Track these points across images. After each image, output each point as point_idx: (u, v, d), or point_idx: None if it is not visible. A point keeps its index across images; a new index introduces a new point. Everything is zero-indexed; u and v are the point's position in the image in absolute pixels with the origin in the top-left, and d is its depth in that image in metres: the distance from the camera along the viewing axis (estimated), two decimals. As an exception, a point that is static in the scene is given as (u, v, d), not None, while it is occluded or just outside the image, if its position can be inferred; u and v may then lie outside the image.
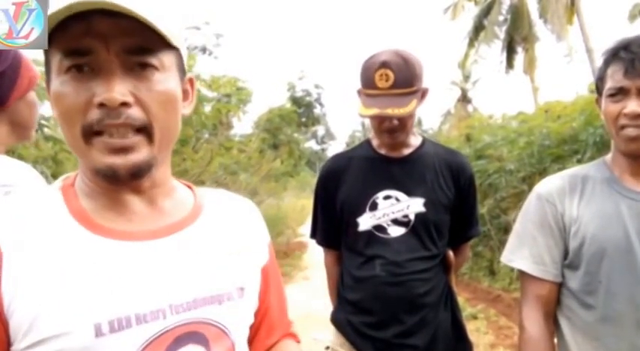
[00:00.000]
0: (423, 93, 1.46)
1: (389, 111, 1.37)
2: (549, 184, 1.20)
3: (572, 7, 13.67)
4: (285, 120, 8.52)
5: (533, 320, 1.17)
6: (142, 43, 0.59)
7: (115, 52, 0.59)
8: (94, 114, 0.59)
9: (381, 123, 1.45)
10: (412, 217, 1.46)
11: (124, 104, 0.59)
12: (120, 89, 0.58)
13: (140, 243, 0.63)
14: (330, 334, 1.61)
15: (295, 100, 8.96)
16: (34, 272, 0.57)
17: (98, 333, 0.57)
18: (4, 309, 0.56)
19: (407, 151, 1.52)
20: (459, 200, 1.53)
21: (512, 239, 1.24)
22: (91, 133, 0.59)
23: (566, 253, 1.15)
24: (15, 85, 1.11)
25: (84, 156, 0.61)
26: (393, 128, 1.44)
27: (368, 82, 1.41)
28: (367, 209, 1.47)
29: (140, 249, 0.63)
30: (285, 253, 9.06)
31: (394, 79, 1.37)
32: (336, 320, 1.58)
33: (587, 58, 11.45)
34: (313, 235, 1.67)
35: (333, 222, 1.55)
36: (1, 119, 1.14)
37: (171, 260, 0.65)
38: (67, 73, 0.59)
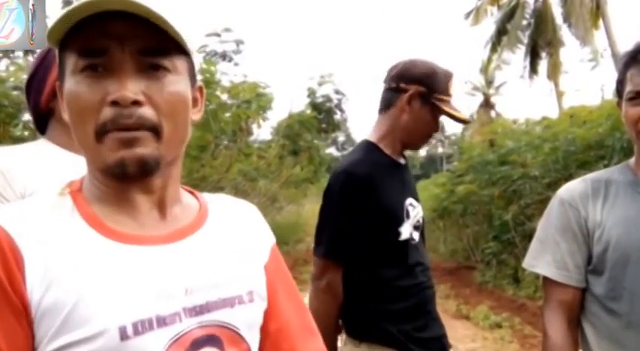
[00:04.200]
0: None
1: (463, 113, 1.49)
2: (572, 189, 1.18)
3: (598, 11, 13.41)
4: (305, 126, 8.50)
5: (556, 327, 1.15)
6: (156, 45, 0.61)
7: (130, 52, 0.60)
8: (107, 112, 0.59)
9: (435, 128, 1.51)
10: (421, 221, 1.52)
11: (136, 103, 0.60)
12: (132, 88, 0.59)
13: (153, 247, 0.64)
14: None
15: (315, 106, 8.93)
16: (57, 278, 0.57)
17: (123, 336, 0.58)
18: (32, 311, 0.56)
19: (402, 158, 1.56)
20: None
21: (534, 244, 1.23)
22: (103, 132, 0.60)
23: (589, 258, 1.14)
24: (45, 84, 1.12)
25: (95, 154, 0.62)
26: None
27: (442, 88, 1.47)
28: (405, 217, 1.44)
29: (154, 253, 0.64)
30: (304, 261, 9.02)
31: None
32: (384, 334, 1.42)
33: (613, 62, 11.18)
34: (328, 246, 1.43)
35: (363, 232, 1.40)
36: (54, 125, 1.17)
37: (183, 264, 0.65)
38: (82, 72, 0.60)
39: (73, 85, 0.61)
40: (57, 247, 0.59)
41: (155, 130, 0.62)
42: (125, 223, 0.64)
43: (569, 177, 5.28)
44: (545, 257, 1.18)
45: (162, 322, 0.61)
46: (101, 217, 0.63)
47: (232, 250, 0.72)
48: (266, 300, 0.74)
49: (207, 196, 0.77)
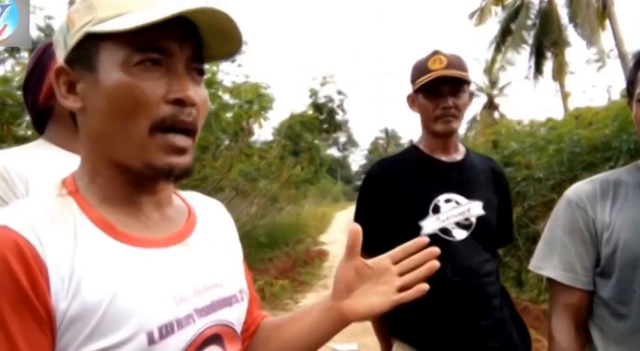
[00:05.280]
0: (472, 94, 1.53)
1: (448, 72, 1.43)
2: (579, 189, 1.16)
3: (604, 11, 13.31)
4: (307, 127, 8.44)
5: (563, 330, 1.13)
6: (201, 52, 0.65)
7: (186, 56, 0.63)
8: (168, 109, 0.61)
9: (435, 105, 1.47)
10: (473, 220, 1.46)
11: (193, 104, 0.63)
12: (192, 90, 0.62)
13: (160, 250, 0.64)
14: (349, 344, 1.63)
15: (317, 107, 8.87)
16: (83, 286, 0.56)
17: (151, 340, 0.59)
18: (57, 320, 0.55)
19: (459, 157, 1.55)
20: (503, 203, 1.57)
21: (541, 246, 1.20)
22: (160, 128, 0.61)
23: (597, 261, 1.12)
24: (43, 83, 1.12)
25: (141, 149, 0.61)
26: (447, 109, 1.46)
27: (421, 70, 1.48)
28: (430, 212, 1.46)
29: (163, 256, 0.64)
30: (304, 262, 8.98)
31: (447, 61, 1.45)
32: (399, 332, 1.51)
33: (620, 62, 11.08)
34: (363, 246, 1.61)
35: (379, 228, 1.45)
36: (52, 124, 1.16)
37: (188, 266, 0.67)
38: (136, 66, 0.60)
39: (123, 76, 0.60)
40: (76, 253, 0.58)
41: (195, 135, 0.65)
42: (132, 225, 0.64)
43: (574, 179, 5.23)
44: (552, 259, 1.16)
45: (180, 324, 0.62)
46: (108, 219, 0.62)
47: (222, 249, 0.75)
48: (248, 295, 0.77)
49: (185, 195, 0.78)
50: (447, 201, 1.47)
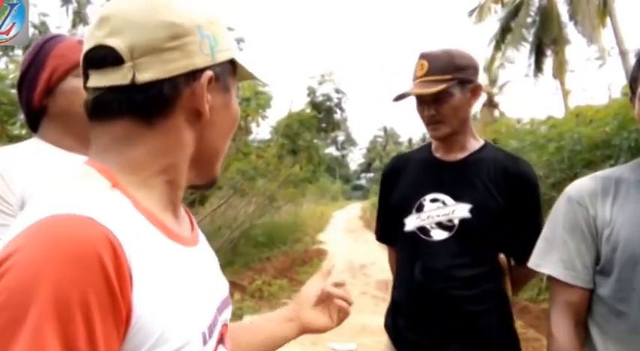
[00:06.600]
0: (474, 89, 1.47)
1: (413, 91, 1.44)
2: (580, 187, 1.15)
3: (605, 9, 13.26)
4: (305, 125, 8.39)
5: (562, 328, 1.13)
6: None
7: None
8: None
9: (421, 113, 1.49)
10: (456, 222, 1.43)
11: None
12: None
13: (192, 248, 0.66)
14: (347, 344, 1.68)
15: (315, 105, 8.82)
16: (157, 290, 0.55)
17: (204, 341, 0.60)
18: (132, 323, 0.51)
19: (461, 155, 1.50)
20: (516, 210, 1.44)
21: (540, 244, 1.20)
22: None
23: (597, 259, 1.11)
24: (38, 81, 1.11)
25: (218, 166, 0.69)
26: (430, 117, 1.46)
27: (413, 76, 1.49)
28: (414, 210, 1.48)
29: (195, 254, 0.66)
30: (302, 261, 8.95)
31: (428, 67, 1.44)
32: (385, 322, 1.60)
33: (621, 60, 11.03)
34: (376, 231, 1.75)
35: (388, 220, 1.60)
36: (46, 123, 1.15)
37: (207, 265, 0.70)
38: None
39: (236, 104, 0.68)
40: (149, 253, 0.55)
41: None
42: (172, 222, 0.64)
43: (574, 177, 5.19)
44: (552, 257, 1.15)
45: (214, 324, 0.64)
46: (157, 216, 0.61)
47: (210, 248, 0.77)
48: None
49: None
50: (434, 200, 1.46)
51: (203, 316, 0.61)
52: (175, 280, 0.58)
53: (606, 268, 1.09)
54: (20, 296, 0.46)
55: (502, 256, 1.47)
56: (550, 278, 1.17)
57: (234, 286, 5.78)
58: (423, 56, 1.46)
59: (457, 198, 1.44)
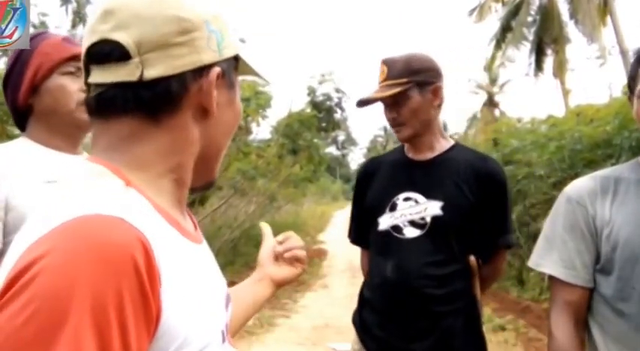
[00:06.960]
0: (434, 90, 1.49)
1: (372, 95, 1.50)
2: (580, 186, 1.16)
3: (605, 8, 13.24)
4: (305, 125, 8.38)
5: (562, 327, 1.13)
6: None
7: None
8: None
9: (386, 116, 1.54)
10: (428, 219, 1.46)
11: None
12: None
13: (199, 245, 0.65)
14: (348, 344, 1.66)
15: (315, 105, 8.81)
16: (181, 290, 0.54)
17: (223, 338, 0.61)
18: (160, 323, 0.51)
19: (431, 155, 1.54)
20: (485, 207, 1.48)
21: (540, 243, 1.20)
22: None
23: (597, 258, 1.11)
24: (23, 80, 1.10)
25: (218, 166, 0.68)
26: (392, 119, 1.51)
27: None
28: (387, 210, 1.51)
29: (203, 252, 0.66)
30: (303, 261, 8.89)
31: (387, 72, 1.49)
32: (353, 318, 1.63)
33: (622, 59, 11.02)
34: (349, 233, 1.76)
35: (362, 222, 1.63)
36: (33, 122, 1.15)
37: (212, 262, 0.69)
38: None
39: (239, 101, 0.67)
40: (171, 253, 0.54)
41: None
42: (182, 219, 0.63)
43: (575, 176, 5.14)
44: (552, 256, 1.15)
45: (225, 322, 0.64)
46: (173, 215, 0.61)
47: None
48: None
49: None
50: (406, 199, 1.50)
51: (220, 314, 0.62)
52: (194, 279, 0.57)
53: (606, 268, 1.09)
54: (56, 302, 0.44)
55: (472, 257, 1.50)
56: (550, 278, 1.17)
57: (234, 286, 5.77)
58: (383, 62, 1.51)
59: (429, 196, 1.47)
